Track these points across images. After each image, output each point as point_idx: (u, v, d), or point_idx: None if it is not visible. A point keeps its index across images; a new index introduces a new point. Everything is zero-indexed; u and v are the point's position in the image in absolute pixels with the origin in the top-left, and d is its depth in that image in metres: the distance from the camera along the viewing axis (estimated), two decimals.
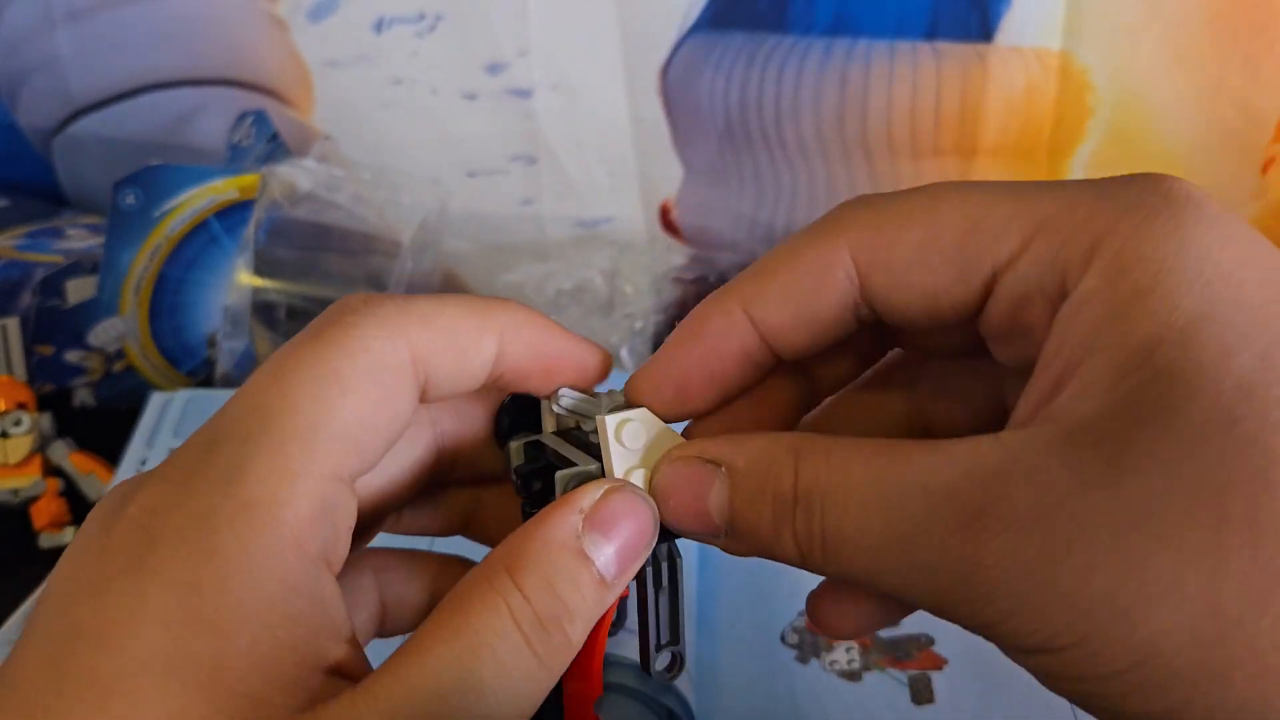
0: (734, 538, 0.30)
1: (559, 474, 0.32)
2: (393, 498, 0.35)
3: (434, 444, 0.36)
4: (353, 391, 0.29)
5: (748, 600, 0.57)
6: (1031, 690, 0.51)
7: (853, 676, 0.52)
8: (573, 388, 0.34)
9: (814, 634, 0.54)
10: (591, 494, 0.30)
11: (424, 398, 0.31)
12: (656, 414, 0.32)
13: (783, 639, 0.54)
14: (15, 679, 0.26)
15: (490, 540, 0.37)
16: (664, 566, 0.33)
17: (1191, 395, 0.24)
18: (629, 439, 0.32)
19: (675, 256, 0.79)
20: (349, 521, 0.30)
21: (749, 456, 0.30)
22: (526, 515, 0.33)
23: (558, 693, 0.32)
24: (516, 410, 0.36)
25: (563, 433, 0.35)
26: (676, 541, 0.33)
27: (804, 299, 0.30)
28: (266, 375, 0.29)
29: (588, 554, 0.29)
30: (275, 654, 0.26)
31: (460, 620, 0.28)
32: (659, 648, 0.34)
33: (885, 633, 0.54)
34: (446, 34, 0.79)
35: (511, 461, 0.35)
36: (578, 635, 0.29)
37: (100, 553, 0.27)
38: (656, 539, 0.31)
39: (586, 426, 0.33)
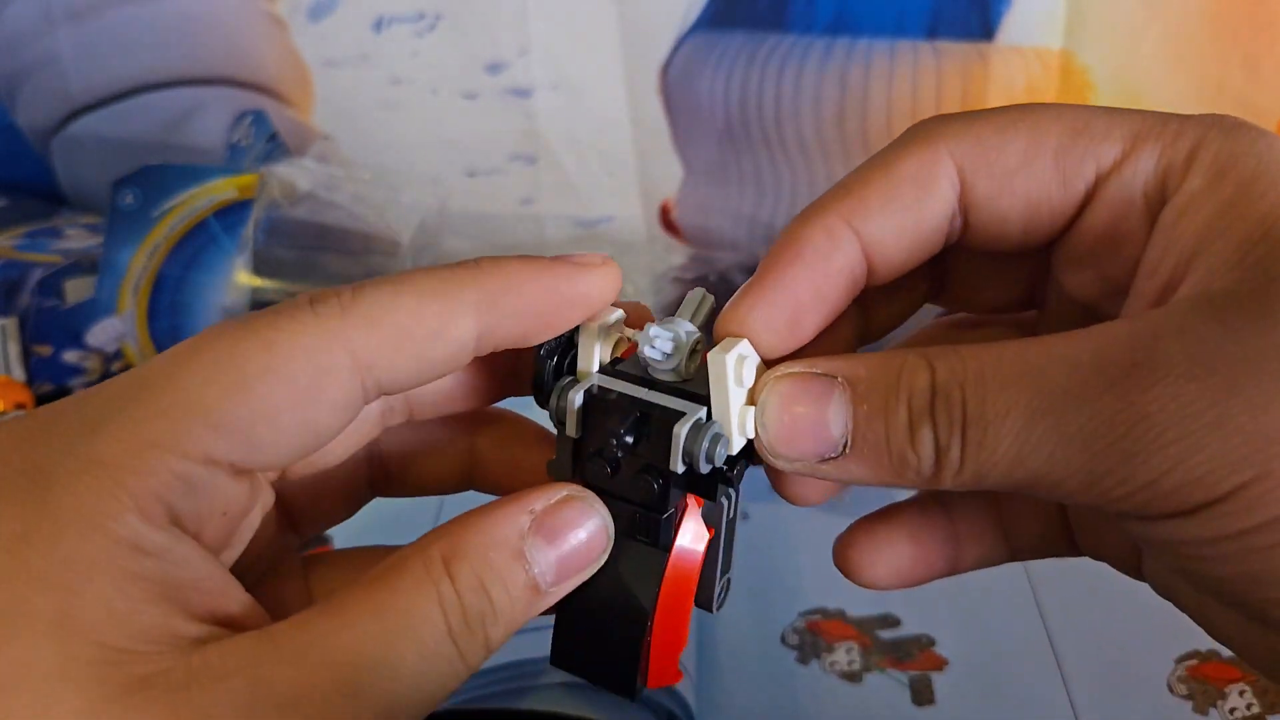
0: (855, 454, 0.28)
1: (680, 429, 0.29)
2: (340, 488, 0.35)
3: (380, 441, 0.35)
4: (258, 389, 0.27)
5: (748, 601, 0.57)
6: (1031, 691, 0.51)
7: (853, 677, 0.52)
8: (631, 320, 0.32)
9: (814, 635, 0.54)
10: (546, 497, 0.29)
11: (385, 393, 0.29)
12: (762, 346, 0.30)
13: (783, 640, 0.54)
14: None
15: (499, 488, 0.36)
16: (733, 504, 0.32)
17: None
18: (746, 376, 0.30)
19: (675, 256, 0.79)
20: (224, 507, 0.29)
21: (871, 367, 0.28)
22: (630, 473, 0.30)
23: (645, 642, 0.31)
24: (555, 355, 0.32)
25: (613, 369, 0.32)
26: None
27: (909, 208, 0.30)
28: (178, 350, 0.28)
29: (527, 557, 0.28)
30: (129, 607, 0.25)
31: (388, 597, 0.27)
32: (719, 579, 0.33)
33: (886, 633, 0.54)
34: (446, 33, 0.79)
35: (577, 423, 0.31)
36: (498, 638, 0.28)
37: None
38: (609, 553, 0.30)
39: (652, 358, 0.30)
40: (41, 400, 0.70)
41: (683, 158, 0.80)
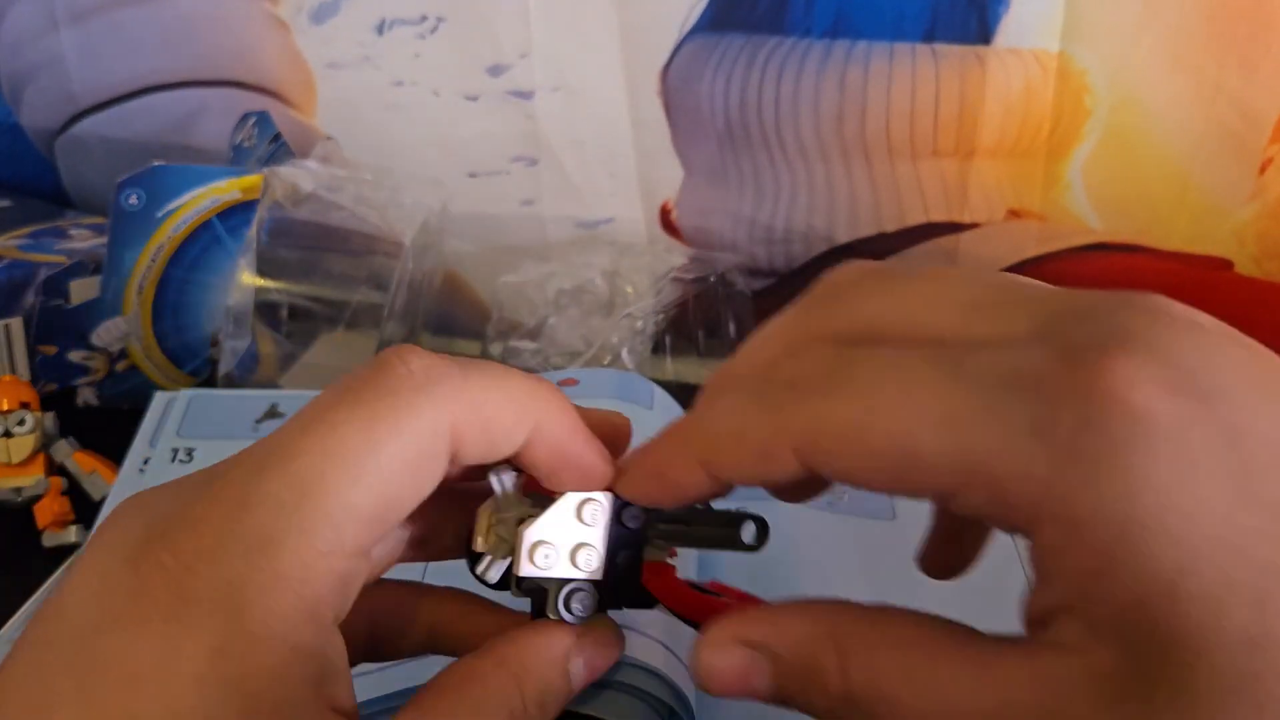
0: (784, 705, 0.31)
1: (525, 531, 0.34)
2: (392, 552, 0.37)
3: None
4: (389, 474, 0.30)
5: None
6: None
7: None
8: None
9: None
10: (585, 627, 0.35)
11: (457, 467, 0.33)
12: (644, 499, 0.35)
13: None
14: (43, 699, 0.27)
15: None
16: None
17: (1198, 655, 0.23)
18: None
19: (675, 257, 0.79)
20: (360, 586, 0.31)
21: (790, 646, 0.30)
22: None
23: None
24: None
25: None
26: None
27: (756, 472, 0.31)
28: (309, 437, 0.29)
29: (570, 671, 0.34)
30: (291, 712, 0.28)
31: (470, 705, 0.31)
32: (740, 521, 0.37)
33: None
34: (448, 36, 0.79)
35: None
36: None
37: (130, 593, 0.28)
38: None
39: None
40: (46, 400, 0.71)
41: (683, 159, 0.80)
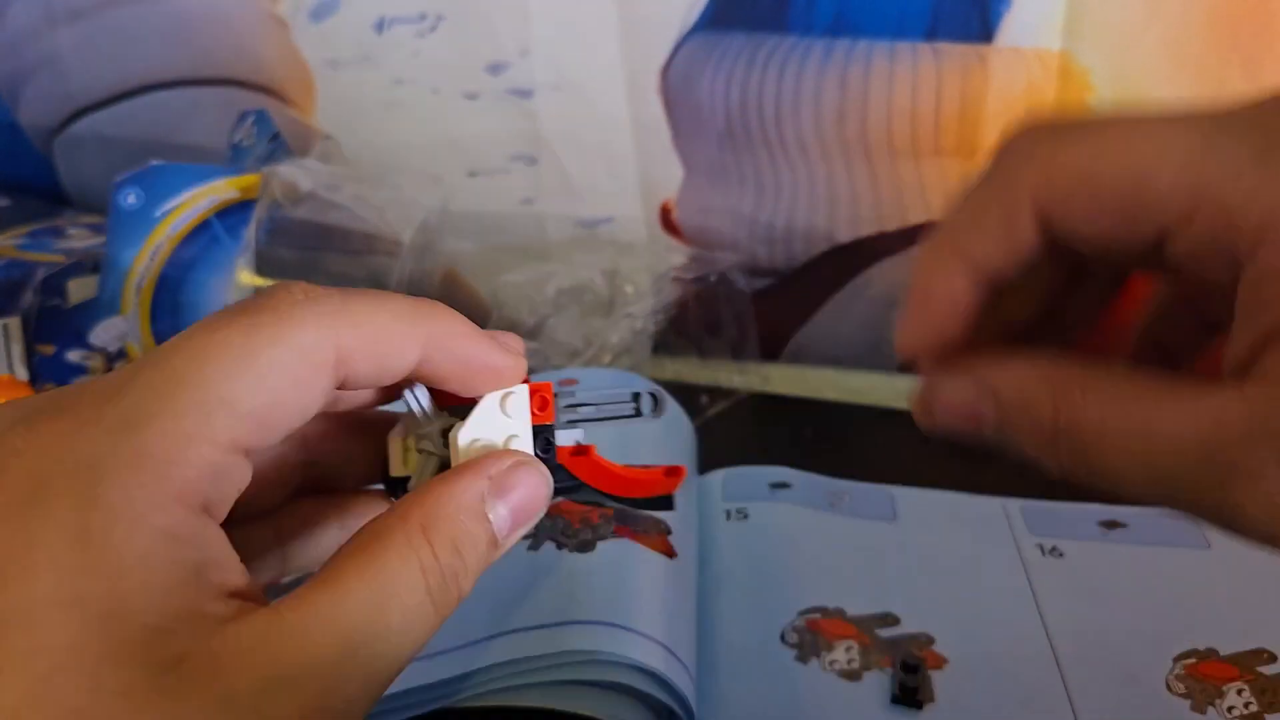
0: (1007, 442, 0.33)
1: (458, 434, 0.35)
2: (282, 471, 0.38)
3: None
4: (269, 378, 0.30)
5: (748, 600, 0.57)
6: (1030, 690, 0.52)
7: (852, 676, 0.52)
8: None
9: (813, 633, 0.54)
10: (500, 463, 0.34)
11: (342, 388, 0.33)
12: (930, 362, 0.36)
13: (782, 638, 0.54)
14: None
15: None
16: None
17: None
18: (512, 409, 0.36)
19: (675, 256, 0.79)
20: (238, 488, 0.31)
21: (1010, 386, 0.32)
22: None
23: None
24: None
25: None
26: None
27: (1005, 242, 0.33)
28: (193, 339, 0.30)
29: (489, 517, 0.33)
30: (166, 592, 0.27)
31: (374, 566, 0.30)
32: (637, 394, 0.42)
33: (885, 632, 0.55)
34: (448, 34, 0.79)
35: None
36: (468, 588, 0.32)
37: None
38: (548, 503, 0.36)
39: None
40: None
41: (683, 158, 0.80)
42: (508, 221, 0.85)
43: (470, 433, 0.35)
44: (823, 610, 0.56)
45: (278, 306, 0.31)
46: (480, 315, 0.84)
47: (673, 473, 0.43)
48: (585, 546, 0.51)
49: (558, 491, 0.37)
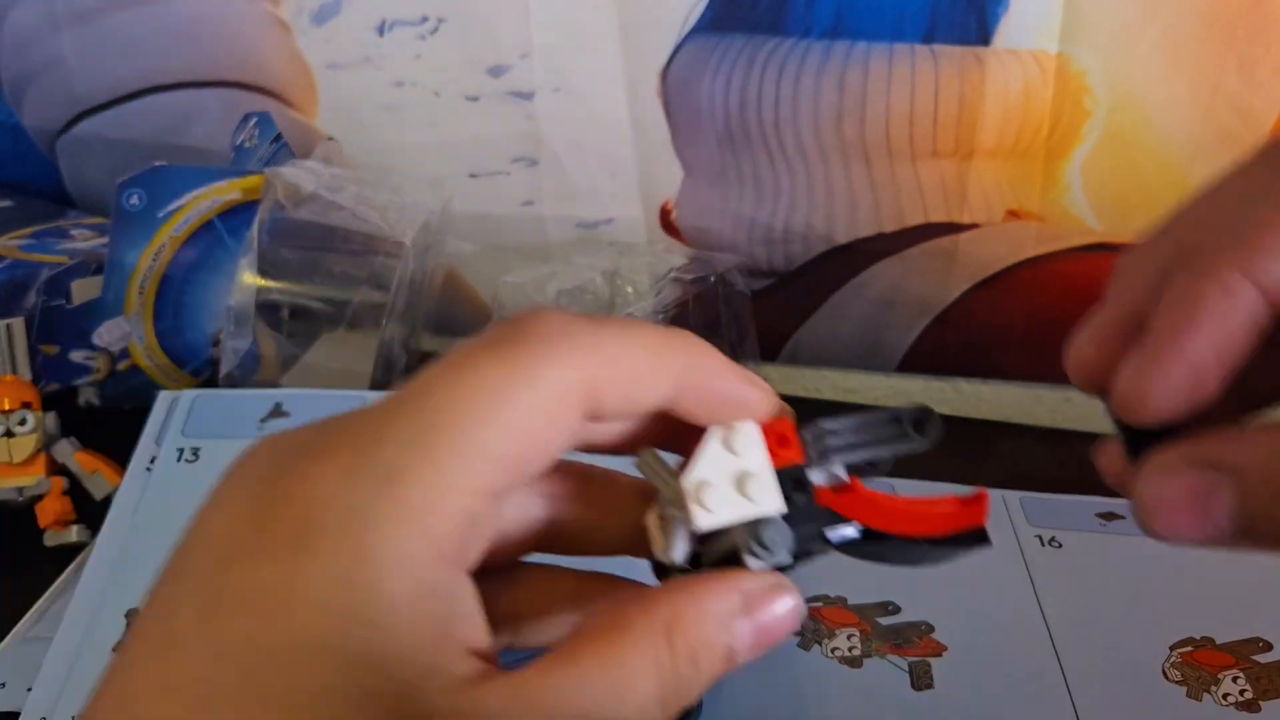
0: (1248, 538, 0.28)
1: (683, 480, 0.32)
2: (524, 524, 0.36)
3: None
4: (523, 419, 0.29)
5: None
6: (1028, 677, 0.52)
7: (853, 663, 0.52)
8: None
9: (816, 621, 0.55)
10: (757, 582, 0.32)
11: (593, 420, 0.32)
12: (1165, 412, 0.30)
13: None
14: (168, 632, 0.27)
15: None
16: None
17: None
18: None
19: (675, 257, 0.80)
20: (489, 537, 0.31)
21: (1259, 459, 0.28)
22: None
23: None
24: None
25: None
26: None
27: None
28: (448, 378, 0.30)
29: (733, 634, 0.31)
30: (419, 647, 0.27)
31: (616, 654, 0.29)
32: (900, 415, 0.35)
33: (886, 620, 0.55)
34: (449, 36, 0.79)
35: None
36: (694, 698, 0.31)
37: (257, 525, 0.28)
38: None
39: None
40: (47, 400, 0.71)
41: (683, 160, 0.80)
42: (508, 223, 0.85)
43: (697, 474, 0.32)
44: (825, 598, 0.56)
45: (529, 340, 0.30)
46: (481, 316, 0.84)
47: (973, 501, 0.36)
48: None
49: (831, 543, 0.35)
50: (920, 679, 0.52)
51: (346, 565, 0.27)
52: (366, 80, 0.82)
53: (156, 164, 0.72)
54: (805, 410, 0.78)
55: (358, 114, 0.84)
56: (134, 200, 0.72)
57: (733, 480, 0.32)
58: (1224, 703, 0.50)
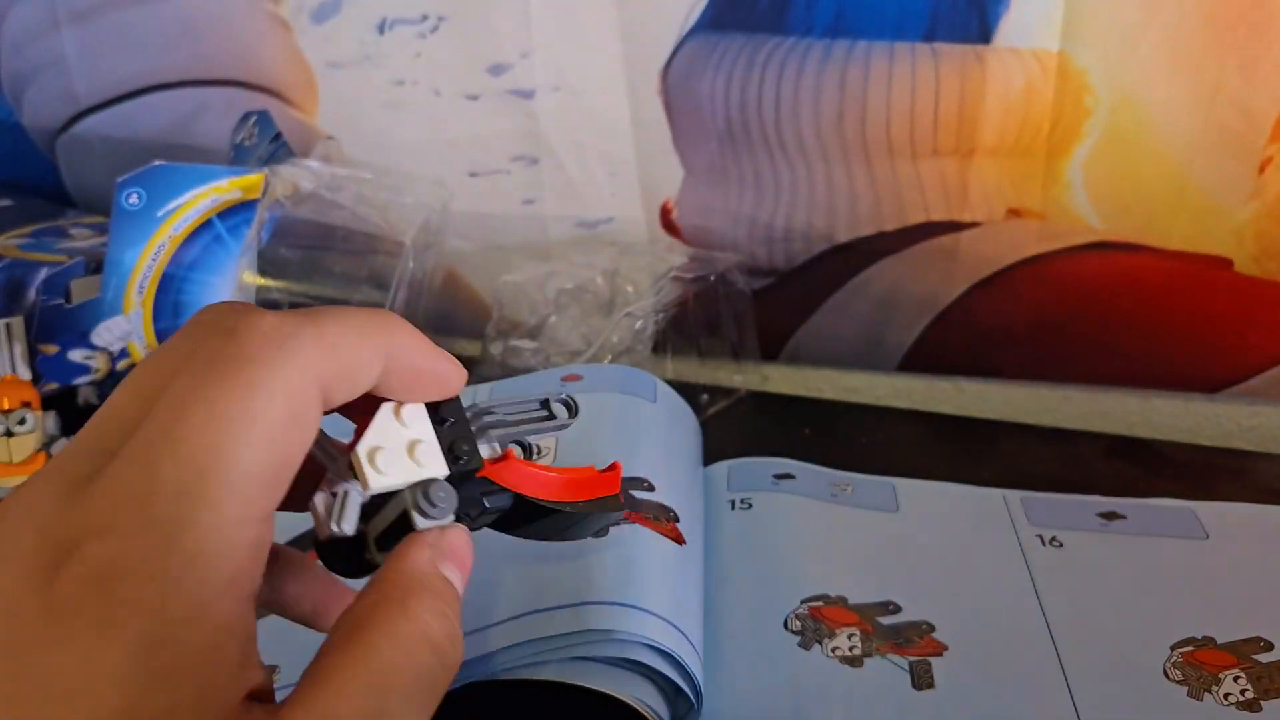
0: None
1: (358, 448, 0.35)
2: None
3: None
4: (274, 433, 0.30)
5: (752, 588, 0.57)
6: (1029, 677, 0.52)
7: (854, 662, 0.52)
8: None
9: (816, 621, 0.55)
10: (432, 532, 0.35)
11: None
12: None
13: (785, 625, 0.55)
14: None
15: None
16: None
17: None
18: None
19: (675, 256, 0.80)
20: (268, 550, 0.31)
21: None
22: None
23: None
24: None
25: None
26: None
27: None
28: (189, 411, 0.29)
29: (446, 576, 0.34)
30: (214, 695, 0.28)
31: (367, 656, 0.30)
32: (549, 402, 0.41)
33: (887, 619, 0.55)
34: (449, 35, 0.79)
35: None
36: (460, 635, 0.33)
37: (47, 612, 0.27)
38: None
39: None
40: (47, 399, 0.70)
41: (683, 159, 0.80)
42: (508, 222, 0.85)
43: (370, 440, 0.35)
44: (825, 598, 0.56)
45: (257, 353, 0.30)
46: (481, 315, 0.84)
47: (608, 470, 0.42)
48: (599, 532, 0.52)
49: (488, 507, 0.38)
50: (921, 678, 0.51)
51: (147, 628, 0.27)
52: (366, 79, 0.82)
53: (156, 163, 0.72)
54: (807, 409, 0.78)
55: (358, 113, 0.84)
56: (133, 199, 0.72)
57: (403, 447, 0.35)
58: (1225, 702, 0.50)
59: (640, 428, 0.62)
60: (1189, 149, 0.70)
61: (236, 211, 0.74)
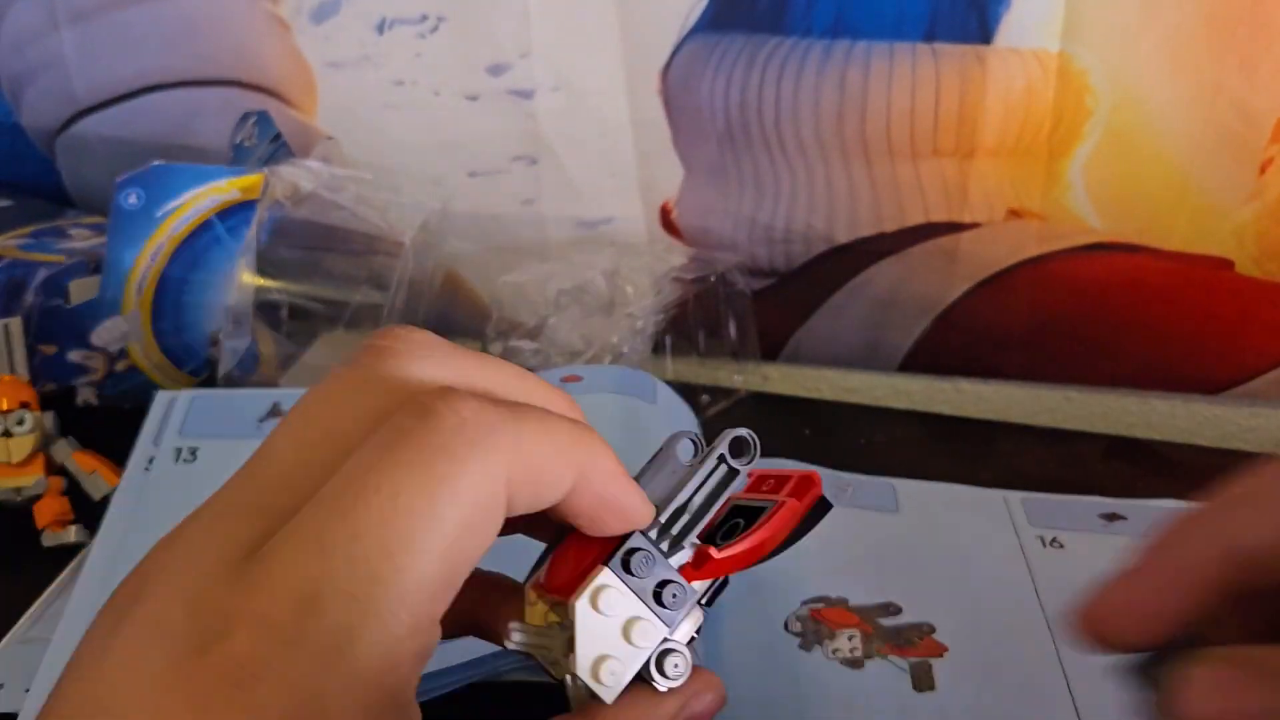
0: None
1: (574, 665, 0.33)
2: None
3: None
4: (455, 540, 0.28)
5: (753, 590, 0.57)
6: (1030, 678, 0.52)
7: (855, 664, 0.52)
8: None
9: (817, 622, 0.55)
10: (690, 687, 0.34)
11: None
12: (1113, 643, 0.32)
13: (786, 627, 0.55)
14: None
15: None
16: None
17: None
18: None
19: (675, 256, 0.80)
20: (432, 653, 0.30)
21: None
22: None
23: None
24: None
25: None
26: None
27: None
28: (365, 503, 0.27)
29: None
30: None
31: None
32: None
33: (887, 621, 0.55)
34: (448, 35, 0.79)
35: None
36: None
37: (189, 702, 0.25)
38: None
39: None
40: (45, 399, 0.70)
41: (683, 159, 0.80)
42: (508, 222, 0.85)
43: (587, 656, 0.33)
44: (826, 599, 0.56)
45: (451, 447, 0.28)
46: (481, 315, 0.84)
47: (804, 480, 0.38)
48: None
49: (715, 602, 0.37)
50: (922, 680, 0.51)
51: None
52: (366, 79, 0.82)
53: (155, 163, 0.72)
54: (806, 409, 0.77)
55: (357, 113, 0.84)
56: (132, 199, 0.72)
57: (618, 638, 0.33)
58: None
59: (640, 429, 0.62)
60: (1190, 150, 0.70)
61: (236, 212, 0.74)
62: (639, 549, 0.33)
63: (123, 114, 0.88)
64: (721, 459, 0.36)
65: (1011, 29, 0.70)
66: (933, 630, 0.54)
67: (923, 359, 0.82)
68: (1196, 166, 0.70)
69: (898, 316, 0.81)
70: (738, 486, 0.36)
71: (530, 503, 0.31)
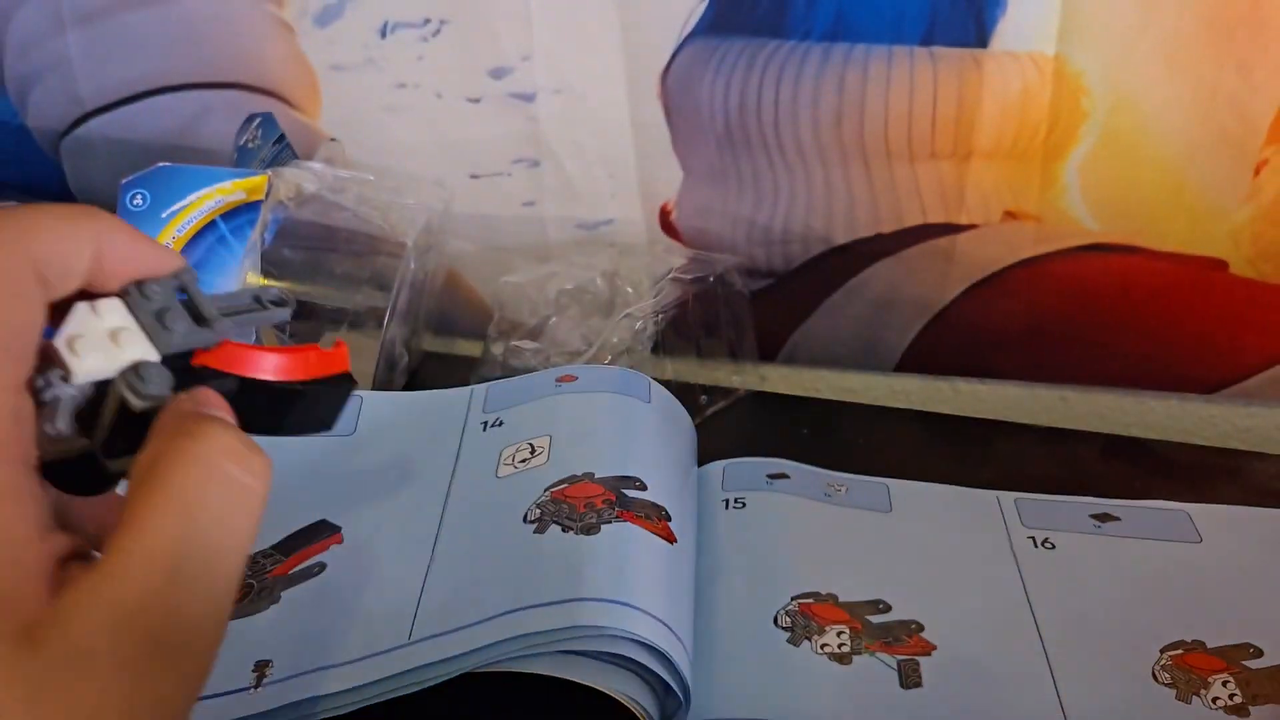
0: None
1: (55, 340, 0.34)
2: None
3: None
4: (16, 303, 0.31)
5: (743, 585, 0.58)
6: (1017, 678, 0.52)
7: (843, 660, 0.53)
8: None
9: (806, 618, 0.55)
10: (184, 394, 0.34)
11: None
12: None
13: (775, 622, 0.55)
14: None
15: None
16: None
17: None
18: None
19: (675, 258, 0.80)
20: (33, 425, 0.32)
21: None
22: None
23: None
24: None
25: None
26: None
27: None
28: None
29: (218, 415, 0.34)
30: (12, 559, 0.29)
31: (167, 487, 0.31)
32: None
33: (876, 618, 0.55)
34: (451, 39, 0.79)
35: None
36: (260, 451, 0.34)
37: None
38: None
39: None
40: None
41: (682, 161, 0.81)
42: (509, 223, 0.86)
43: (67, 332, 0.33)
44: (815, 595, 0.57)
45: None
46: (482, 316, 0.85)
47: (335, 348, 0.40)
48: (590, 530, 0.52)
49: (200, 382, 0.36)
50: (909, 677, 0.52)
51: None
52: (369, 82, 0.82)
53: (160, 165, 0.72)
54: (804, 409, 0.78)
55: (360, 115, 0.84)
56: (137, 200, 0.72)
57: (104, 335, 0.34)
58: (1213, 706, 0.50)
59: (634, 427, 0.63)
60: (1185, 151, 0.70)
61: (240, 213, 0.75)
62: (157, 284, 0.36)
63: (128, 116, 0.88)
64: (257, 296, 0.39)
65: (1008, 32, 0.70)
66: (921, 628, 0.55)
67: (920, 359, 0.82)
68: (1192, 168, 0.70)
69: (895, 317, 0.81)
70: (261, 318, 0.39)
71: (62, 274, 0.33)
